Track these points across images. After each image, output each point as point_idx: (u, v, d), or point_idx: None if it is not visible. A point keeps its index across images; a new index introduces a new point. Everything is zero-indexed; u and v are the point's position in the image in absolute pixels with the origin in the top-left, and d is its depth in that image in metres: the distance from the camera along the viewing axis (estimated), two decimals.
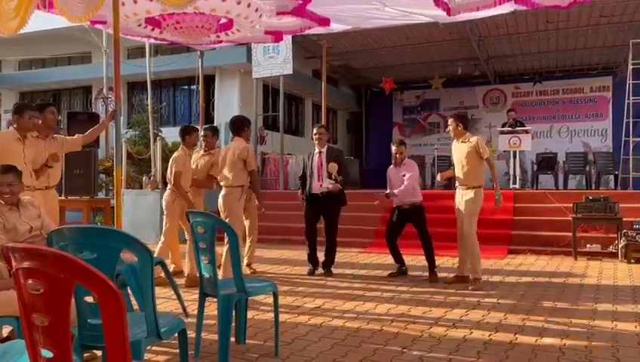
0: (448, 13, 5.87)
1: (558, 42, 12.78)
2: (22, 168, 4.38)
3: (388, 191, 6.20)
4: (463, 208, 5.58)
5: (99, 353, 3.07)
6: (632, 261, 7.05)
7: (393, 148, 6.28)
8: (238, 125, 5.74)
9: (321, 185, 6.22)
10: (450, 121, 5.80)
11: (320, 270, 6.41)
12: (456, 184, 5.76)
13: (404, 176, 6.13)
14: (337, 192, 6.24)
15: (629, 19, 11.08)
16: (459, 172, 5.68)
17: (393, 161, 6.29)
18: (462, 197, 5.61)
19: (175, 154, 5.97)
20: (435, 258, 6.11)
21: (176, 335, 2.58)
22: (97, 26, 6.61)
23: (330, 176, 6.22)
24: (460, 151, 5.66)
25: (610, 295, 5.18)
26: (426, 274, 6.08)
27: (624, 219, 7.35)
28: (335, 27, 7.10)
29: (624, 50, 11.58)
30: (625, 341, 3.72)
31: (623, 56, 12.19)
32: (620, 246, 7.23)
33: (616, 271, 6.54)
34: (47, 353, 1.59)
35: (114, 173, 5.34)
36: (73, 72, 14.98)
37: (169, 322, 2.54)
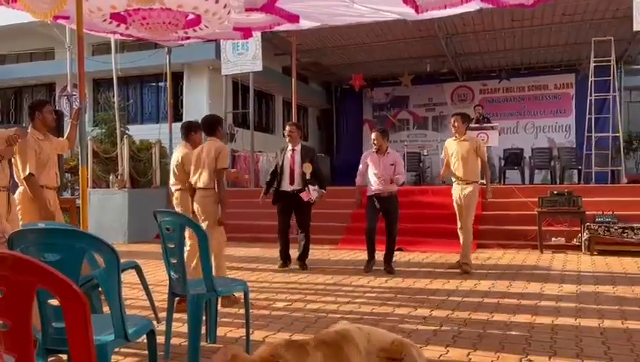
0: (416, 11, 5.93)
1: (523, 40, 13.05)
2: None
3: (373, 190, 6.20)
4: (464, 202, 6.03)
5: (64, 356, 3.00)
6: (595, 253, 7.27)
7: (372, 135, 6.32)
8: (212, 124, 5.20)
9: (310, 199, 6.22)
10: (455, 118, 6.22)
11: (293, 265, 6.44)
12: (455, 180, 6.18)
13: (392, 165, 6.18)
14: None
15: (590, 18, 11.38)
16: (459, 168, 6.10)
17: (374, 149, 6.25)
18: (462, 191, 6.06)
19: (184, 152, 5.37)
20: (421, 253, 6.19)
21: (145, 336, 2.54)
22: (60, 21, 6.43)
23: (304, 176, 6.23)
24: (461, 148, 6.09)
25: (574, 288, 5.32)
26: (406, 269, 6.24)
27: (587, 212, 7.56)
28: (304, 24, 7.08)
29: (586, 47, 11.90)
30: (587, 332, 3.83)
31: (585, 54, 12.52)
32: (583, 239, 7.44)
33: (580, 263, 6.74)
34: (8, 358, 1.55)
35: (79, 173, 5.21)
36: (35, 68, 14.57)
37: (137, 323, 2.50)
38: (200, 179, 4.97)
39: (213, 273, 4.77)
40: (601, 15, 11.24)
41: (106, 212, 9.39)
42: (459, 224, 6.24)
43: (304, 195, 6.22)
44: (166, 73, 10.11)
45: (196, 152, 5.12)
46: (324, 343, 2.11)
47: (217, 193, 4.83)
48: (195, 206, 4.99)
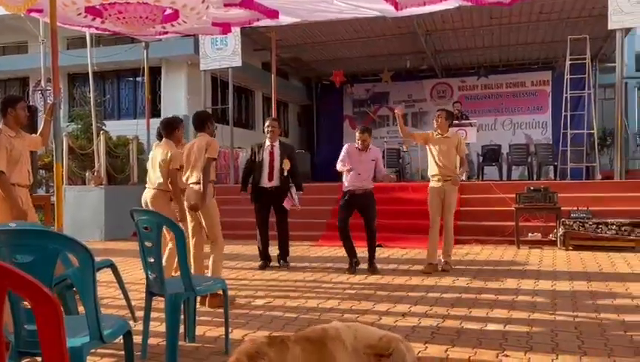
0: (396, 8, 5.95)
1: (501, 37, 13.19)
2: None
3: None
4: (447, 200, 6.04)
5: (39, 359, 2.94)
6: (570, 248, 7.40)
7: (357, 135, 6.17)
8: (202, 120, 5.14)
9: (293, 205, 6.23)
10: (440, 113, 6.20)
11: (274, 263, 6.42)
12: (435, 177, 6.11)
13: (373, 161, 6.13)
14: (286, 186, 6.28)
15: (566, 16, 11.57)
16: (440, 165, 6.06)
17: (359, 146, 6.09)
18: (443, 188, 6.04)
19: (173, 150, 5.17)
20: (400, 249, 6.19)
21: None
22: (33, 14, 6.30)
23: (282, 172, 6.21)
24: (443, 145, 6.08)
25: (549, 283, 5.41)
26: (386, 265, 6.25)
27: (562, 208, 7.68)
28: (284, 20, 7.05)
29: (562, 45, 12.07)
30: (562, 326, 3.89)
31: (562, 52, 12.70)
32: (558, 234, 7.57)
33: (555, 258, 6.85)
34: None
35: (54, 169, 5.11)
36: (8, 62, 14.24)
37: (113, 324, 2.46)
38: (192, 174, 4.91)
39: (209, 274, 4.74)
40: (577, 14, 11.43)
41: (81, 209, 9.23)
42: (431, 222, 6.10)
43: (287, 204, 6.20)
44: (143, 68, 9.96)
45: (187, 149, 5.06)
46: (307, 339, 2.11)
47: (203, 182, 4.77)
48: (187, 203, 4.93)
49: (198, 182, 4.83)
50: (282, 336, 2.11)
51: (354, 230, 6.36)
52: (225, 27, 7.18)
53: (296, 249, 7.54)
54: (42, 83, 11.47)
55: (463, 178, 6.36)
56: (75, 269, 2.78)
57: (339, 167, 6.11)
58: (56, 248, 2.20)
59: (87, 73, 10.16)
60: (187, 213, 4.96)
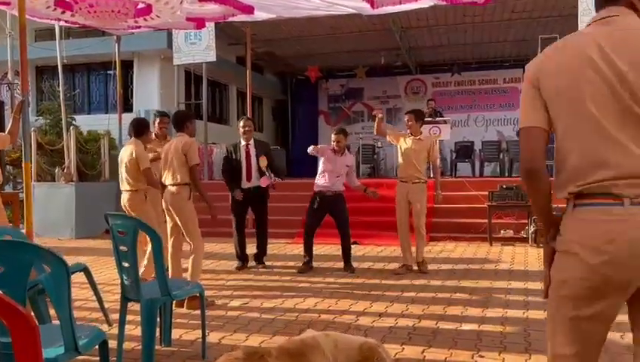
0: (372, 6, 5.96)
1: (474, 35, 13.35)
2: None
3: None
4: (417, 202, 5.91)
5: None
6: (541, 245, 7.55)
7: (333, 136, 6.18)
8: (180, 120, 5.06)
9: (270, 184, 6.14)
10: (409, 116, 6.07)
11: (252, 263, 6.36)
12: (404, 178, 6.00)
13: (347, 166, 6.17)
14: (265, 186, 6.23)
15: (537, 16, 11.78)
16: (409, 166, 5.95)
17: (332, 148, 6.13)
18: (414, 190, 5.91)
19: (137, 149, 5.14)
20: (375, 246, 6.20)
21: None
22: (0, 7, 6.08)
23: (261, 171, 6.16)
24: (416, 146, 5.96)
25: (522, 281, 5.52)
26: (361, 264, 6.31)
27: None
28: (259, 15, 6.97)
29: (533, 44, 12.24)
30: (535, 326, 3.97)
31: (533, 50, 12.88)
32: (530, 231, 7.73)
33: (527, 255, 7.00)
34: None
35: (22, 166, 4.96)
36: None
37: (88, 334, 2.41)
38: (169, 175, 4.85)
39: (189, 276, 4.68)
40: (548, 13, 11.64)
41: (51, 207, 9.01)
42: (398, 223, 6.01)
43: (264, 183, 6.12)
44: (115, 61, 9.72)
45: (165, 149, 5.02)
46: (287, 352, 2.10)
47: (193, 189, 4.79)
48: (164, 204, 4.87)
49: (174, 184, 4.78)
50: (263, 351, 2.10)
51: (326, 227, 6.37)
52: (199, 22, 7.07)
53: (272, 247, 7.48)
54: (9, 76, 11.10)
55: (441, 193, 6.31)
56: (47, 276, 2.70)
57: (310, 149, 6.18)
58: (29, 259, 2.14)
59: (57, 66, 9.87)
60: (165, 214, 4.92)
